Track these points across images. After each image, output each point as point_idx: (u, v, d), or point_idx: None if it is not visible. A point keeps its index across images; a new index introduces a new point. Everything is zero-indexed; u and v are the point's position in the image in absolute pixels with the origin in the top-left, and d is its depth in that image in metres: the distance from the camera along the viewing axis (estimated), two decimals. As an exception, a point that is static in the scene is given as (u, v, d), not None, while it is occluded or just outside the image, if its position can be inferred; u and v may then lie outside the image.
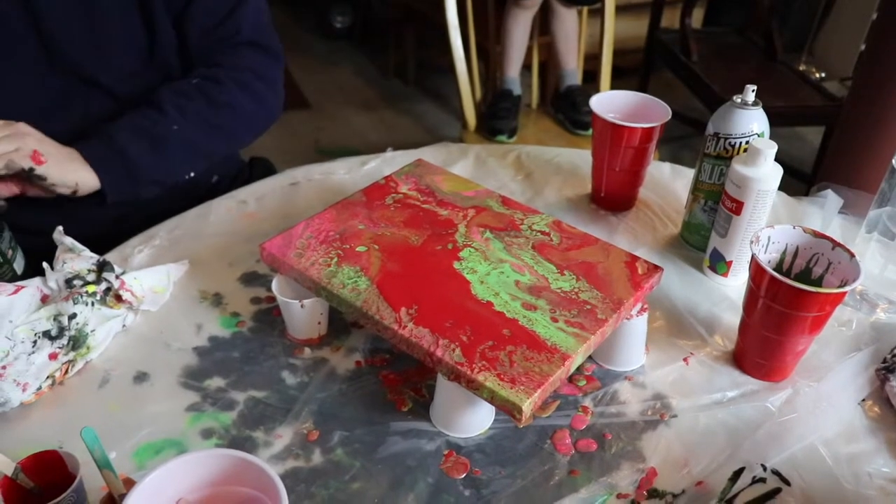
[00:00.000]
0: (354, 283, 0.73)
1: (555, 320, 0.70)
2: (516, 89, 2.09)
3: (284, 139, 2.63)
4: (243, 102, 1.01)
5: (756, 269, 0.71)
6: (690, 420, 0.71)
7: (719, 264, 0.87)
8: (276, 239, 0.79)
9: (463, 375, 0.64)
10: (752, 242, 0.73)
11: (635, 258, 0.78)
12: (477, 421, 0.69)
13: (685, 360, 0.78)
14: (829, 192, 0.98)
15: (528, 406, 0.62)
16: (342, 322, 0.80)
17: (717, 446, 0.69)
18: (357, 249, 0.78)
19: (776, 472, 0.67)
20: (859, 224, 0.93)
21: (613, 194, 1.00)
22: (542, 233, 0.82)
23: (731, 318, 0.83)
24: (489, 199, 0.87)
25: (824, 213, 0.96)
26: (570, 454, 0.68)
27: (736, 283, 0.88)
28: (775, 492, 0.65)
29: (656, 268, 0.77)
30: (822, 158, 2.16)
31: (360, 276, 0.74)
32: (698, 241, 0.93)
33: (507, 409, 0.63)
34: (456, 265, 0.76)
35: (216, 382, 0.74)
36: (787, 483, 0.66)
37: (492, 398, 0.63)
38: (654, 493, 0.65)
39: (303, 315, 0.76)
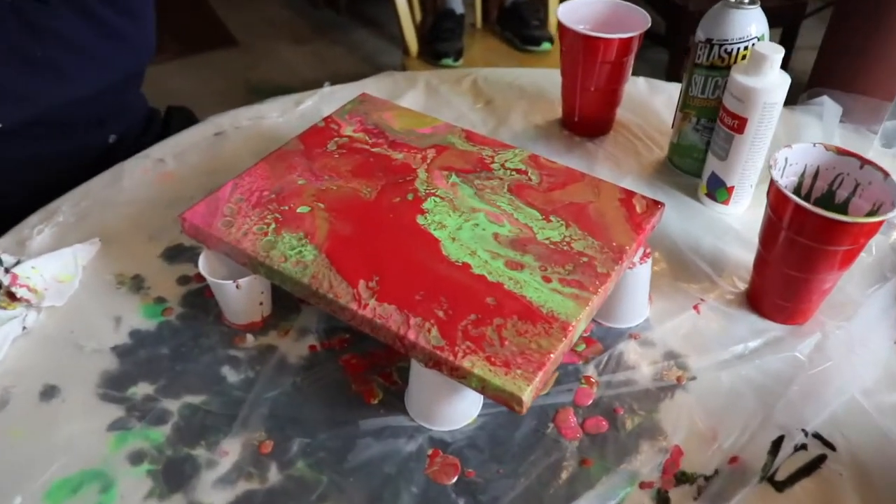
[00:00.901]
0: (299, 253, 0.59)
1: (547, 280, 0.56)
2: (459, 8, 1.91)
3: (212, 82, 2.40)
4: (83, 34, 0.78)
5: (777, 198, 0.59)
6: (711, 381, 0.60)
7: (719, 191, 0.75)
8: (199, 206, 0.64)
9: (444, 362, 0.51)
10: (770, 166, 0.60)
11: (631, 194, 0.65)
12: (463, 409, 0.56)
13: (695, 307, 0.65)
14: (826, 99, 0.85)
15: (529, 395, 0.49)
16: (289, 297, 0.65)
17: (746, 410, 0.57)
18: (298, 211, 0.63)
19: (818, 436, 0.56)
20: (865, 135, 0.82)
21: (589, 117, 0.86)
22: (518, 171, 0.68)
23: (740, 252, 0.71)
24: (450, 135, 0.72)
25: (824, 124, 0.84)
26: (578, 438, 0.56)
27: (738, 212, 0.75)
28: (820, 459, 0.54)
29: (656, 203, 0.64)
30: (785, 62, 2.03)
31: (305, 244, 0.59)
32: (691, 166, 0.80)
33: (502, 400, 0.50)
34: (420, 220, 0.62)
35: (143, 389, 0.59)
36: (832, 447, 0.55)
37: (483, 388, 0.50)
38: (682, 478, 0.53)
39: (240, 297, 0.61)
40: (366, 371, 0.60)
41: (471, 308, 0.54)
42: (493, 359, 0.50)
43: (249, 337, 0.63)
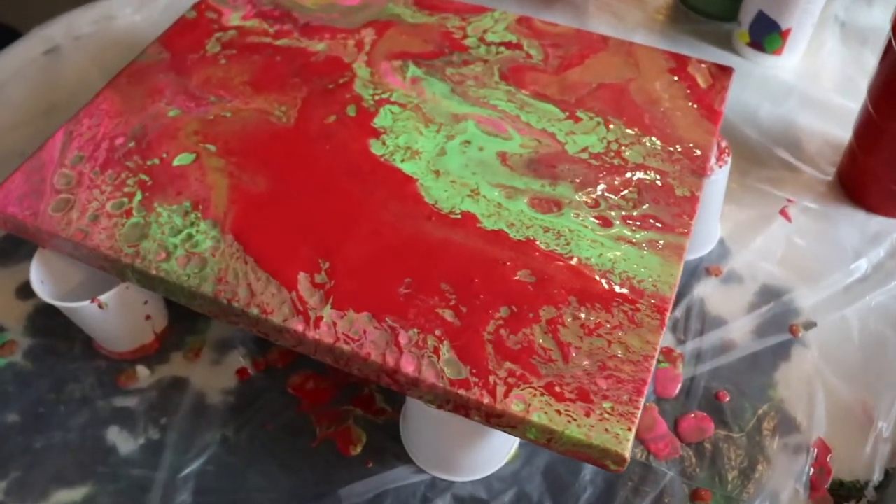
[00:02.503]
0: (188, 240, 0.33)
1: (605, 223, 0.33)
2: None
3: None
4: None
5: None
6: (837, 324, 0.38)
7: (769, 37, 0.51)
8: (13, 180, 0.36)
9: (473, 405, 0.28)
10: (907, -14, 0.37)
11: (683, 60, 0.41)
12: (498, 445, 0.34)
13: (783, 213, 0.43)
14: None
15: (629, 445, 0.27)
16: (196, 289, 0.40)
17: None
18: (176, 163, 0.36)
19: None
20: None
21: (566, -42, 0.59)
22: (508, 45, 0.42)
23: (812, 119, 0.48)
24: (391, 2, 0.45)
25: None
26: (677, 455, 0.34)
27: (792, 63, 0.52)
28: None
29: (723, 71, 0.40)
30: None
31: (197, 221, 0.34)
32: (715, 6, 0.55)
33: (586, 458, 0.28)
34: (375, 148, 0.36)
35: (-19, 489, 0.35)
36: None
37: (549, 441, 0.28)
38: (841, 492, 0.33)
39: (110, 318, 0.36)
40: (332, 400, 0.36)
41: (497, 296, 0.30)
42: (557, 388, 0.28)
43: (141, 370, 0.38)
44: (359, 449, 0.34)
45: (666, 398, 0.36)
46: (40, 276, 0.35)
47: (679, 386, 0.36)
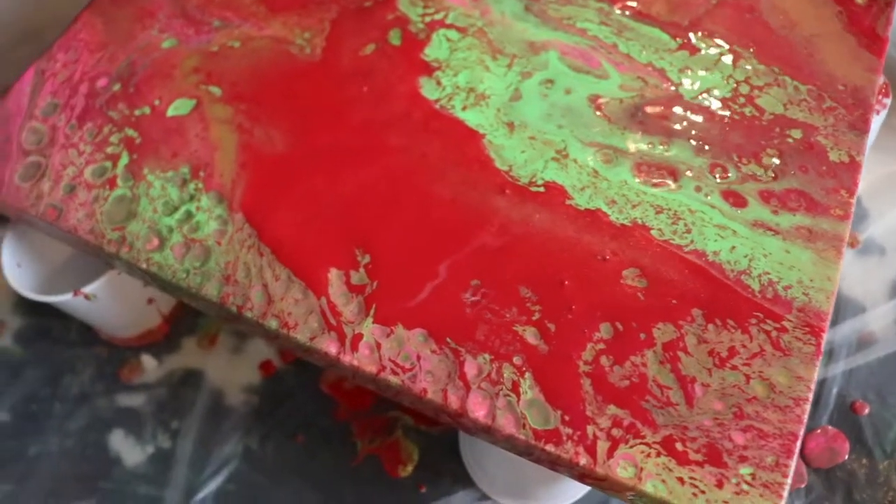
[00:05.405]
0: (186, 219, 0.25)
1: (738, 201, 0.24)
2: None
3: None
4: None
5: None
6: None
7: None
8: (-29, 131, 0.29)
9: (566, 465, 0.21)
10: None
11: (832, -37, 0.30)
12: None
13: (937, 163, 0.34)
14: None
15: None
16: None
17: None
18: (171, 114, 0.28)
19: None
20: None
21: None
22: (591, -52, 0.32)
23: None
24: None
25: None
26: (801, 485, 0.27)
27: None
28: None
29: (887, -25, 0.30)
30: None
31: (198, 194, 0.26)
32: None
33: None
34: (427, 91, 0.27)
35: (-30, 502, 0.29)
36: None
37: (666, 513, 0.21)
38: None
39: (102, 309, 0.29)
40: (375, 404, 0.30)
41: (595, 307, 0.22)
42: (678, 444, 0.20)
43: (147, 361, 0.31)
44: (409, 469, 0.28)
45: (789, 409, 0.28)
46: (15, 257, 0.28)
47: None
